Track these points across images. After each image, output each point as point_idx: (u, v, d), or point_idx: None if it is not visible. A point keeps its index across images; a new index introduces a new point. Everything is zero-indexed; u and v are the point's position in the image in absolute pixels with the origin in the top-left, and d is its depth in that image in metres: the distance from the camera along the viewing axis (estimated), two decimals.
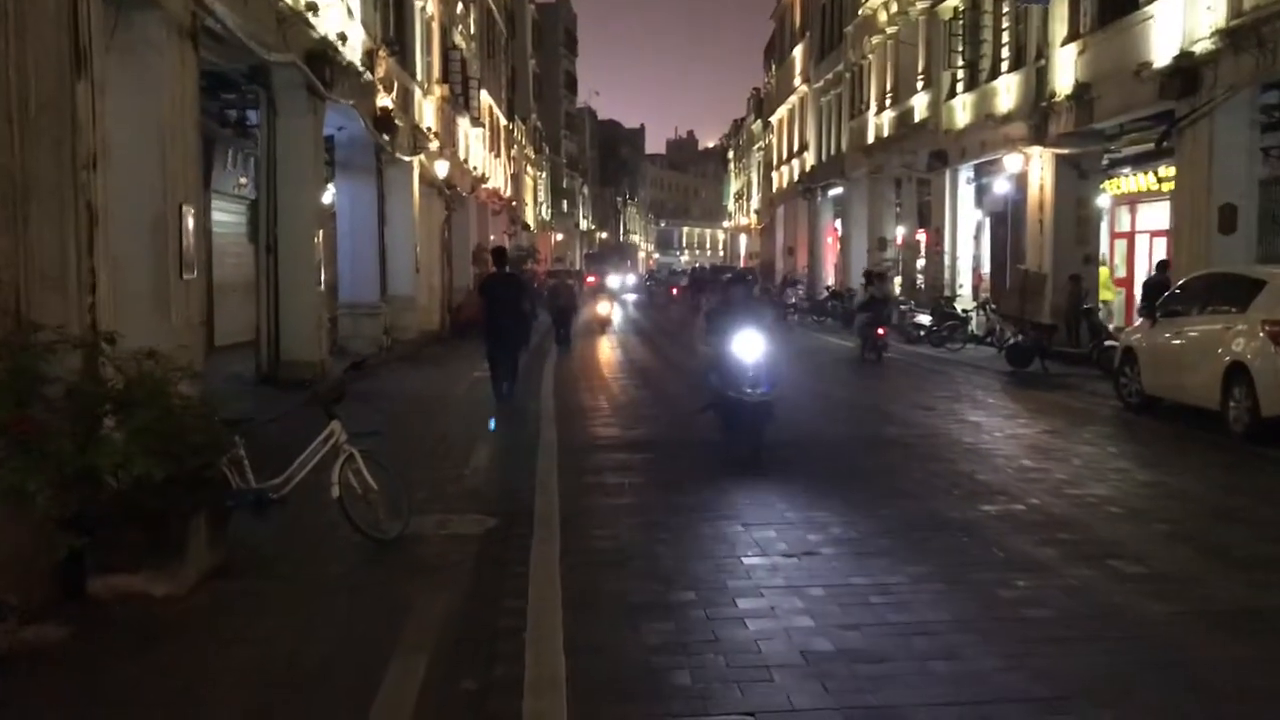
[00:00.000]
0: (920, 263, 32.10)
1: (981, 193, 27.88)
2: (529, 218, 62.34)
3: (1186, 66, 16.30)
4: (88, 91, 6.83)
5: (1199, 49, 16.06)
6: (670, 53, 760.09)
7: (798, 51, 52.06)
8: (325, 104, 16.32)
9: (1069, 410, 14.40)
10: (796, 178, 51.58)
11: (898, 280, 33.69)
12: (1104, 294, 22.06)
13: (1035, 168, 22.71)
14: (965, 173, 28.04)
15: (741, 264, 76.68)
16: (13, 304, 5.99)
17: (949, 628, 5.60)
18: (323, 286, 16.91)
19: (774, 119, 61.67)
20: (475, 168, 36.02)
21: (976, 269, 28.69)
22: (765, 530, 7.67)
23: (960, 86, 27.68)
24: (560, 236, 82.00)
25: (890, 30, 33.65)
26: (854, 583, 6.38)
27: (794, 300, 39.00)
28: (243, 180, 20.41)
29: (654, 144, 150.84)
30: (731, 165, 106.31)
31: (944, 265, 28.67)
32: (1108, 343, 17.94)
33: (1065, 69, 21.18)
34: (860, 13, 36.90)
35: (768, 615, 5.78)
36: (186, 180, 10.75)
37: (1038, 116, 22.18)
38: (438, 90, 28.34)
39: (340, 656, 5.23)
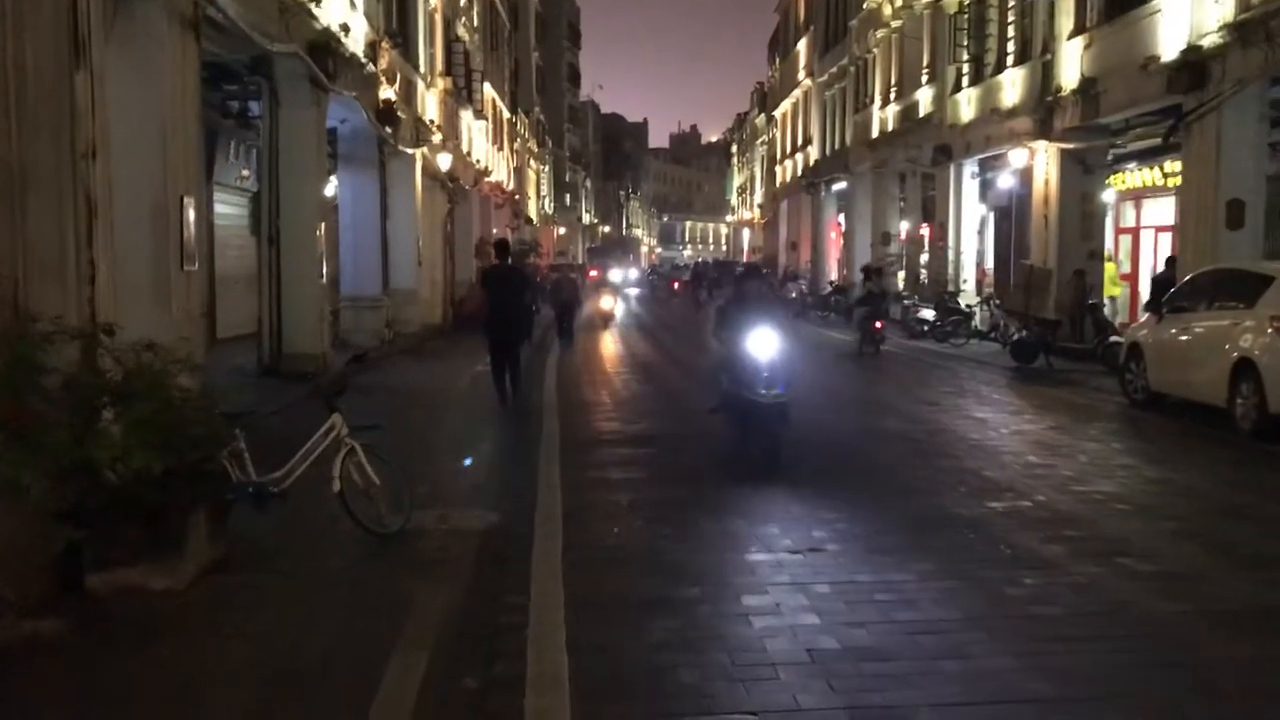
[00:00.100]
0: (924, 258, 32.01)
1: (986, 187, 27.77)
2: (532, 211, 62.26)
3: (1194, 60, 16.19)
4: (87, 81, 6.76)
5: (1207, 43, 15.95)
6: (674, 46, 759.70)
7: (802, 45, 51.92)
8: (328, 96, 16.24)
9: (1074, 406, 14.33)
10: (800, 172, 51.47)
11: (901, 275, 33.62)
12: (1110, 290, 21.97)
13: (1040, 162, 22.60)
14: (970, 167, 27.93)
15: (745, 259, 76.56)
16: (10, 294, 5.92)
17: (957, 626, 5.53)
18: (325, 279, 16.85)
19: (778, 113, 61.54)
20: (478, 161, 35.93)
21: (980, 264, 28.59)
22: (769, 526, 7.61)
23: (965, 80, 27.56)
24: (563, 230, 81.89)
25: (895, 24, 33.51)
26: (860, 580, 6.32)
27: (794, 295, 38.93)
28: (245, 172, 20.34)
29: (657, 138, 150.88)
30: (735, 159, 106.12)
31: (948, 260, 28.58)
32: (1112, 338, 17.86)
33: (1071, 63, 21.06)
34: (865, 6, 36.76)
35: (772, 612, 5.72)
36: (188, 172, 10.67)
37: (1043, 111, 22.07)
38: (440, 83, 28.24)
39: (340, 652, 5.16)
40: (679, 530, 7.57)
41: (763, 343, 9.51)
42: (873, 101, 36.54)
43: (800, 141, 52.58)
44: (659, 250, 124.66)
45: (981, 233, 28.63)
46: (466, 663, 5.03)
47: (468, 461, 10.07)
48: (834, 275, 42.08)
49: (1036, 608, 5.87)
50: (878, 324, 21.72)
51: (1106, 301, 21.40)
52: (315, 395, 7.47)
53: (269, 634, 5.42)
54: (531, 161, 63.05)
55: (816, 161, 47.14)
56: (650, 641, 5.32)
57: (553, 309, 26.39)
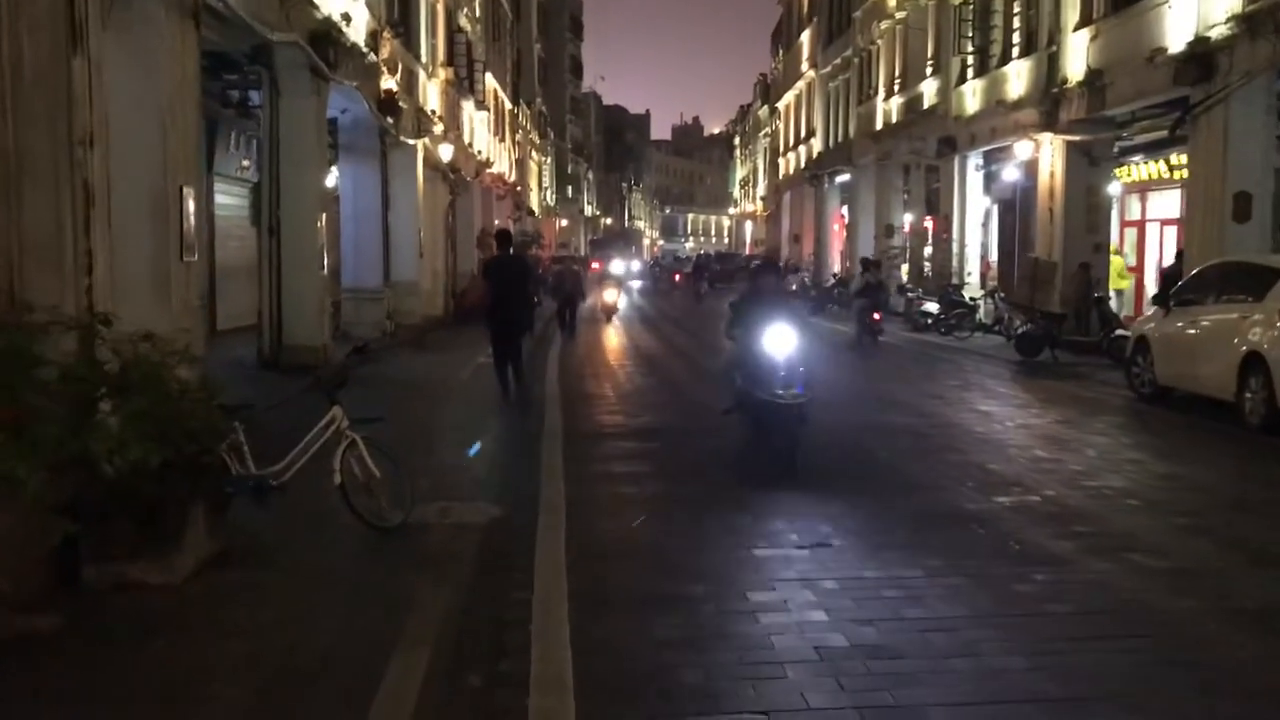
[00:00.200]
0: (927, 250, 31.89)
1: (990, 180, 27.64)
2: (533, 203, 62.11)
3: (1201, 52, 16.07)
4: (84, 68, 6.68)
5: (1214, 34, 15.83)
6: (676, 38, 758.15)
7: (805, 36, 51.73)
8: (329, 85, 16.13)
9: (1080, 400, 14.24)
10: (803, 164, 51.30)
11: (904, 268, 33.52)
12: (1117, 283, 21.86)
13: (1046, 155, 22.48)
14: (974, 159, 27.80)
15: (747, 251, 76.42)
16: (6, 284, 5.85)
17: (966, 623, 5.45)
18: (325, 271, 16.76)
19: (781, 105, 61.36)
20: (480, 152, 35.80)
21: (984, 257, 28.48)
22: (774, 521, 7.53)
23: (970, 72, 27.41)
24: (565, 222, 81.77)
25: (899, 15, 33.35)
26: (867, 576, 6.23)
27: (794, 288, 38.79)
28: (245, 163, 20.24)
29: (659, 130, 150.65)
30: (737, 151, 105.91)
31: (952, 253, 28.47)
32: (1118, 332, 17.78)
33: (1077, 55, 20.93)
34: None
35: (780, 609, 5.63)
36: (187, 161, 10.57)
37: (1049, 103, 21.93)
38: (442, 73, 28.10)
39: (340, 649, 5.07)
40: (683, 525, 7.49)
41: (779, 340, 9.01)
42: (877, 93, 36.38)
43: (803, 133, 52.41)
44: (661, 242, 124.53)
45: (986, 225, 28.51)
46: (469, 660, 4.94)
47: (474, 449, 10.00)
48: (837, 268, 41.96)
49: (1047, 605, 5.78)
50: (875, 315, 21.77)
51: (1112, 294, 21.29)
52: (316, 387, 7.37)
53: (268, 630, 5.33)
54: (533, 153, 62.89)
55: (820, 153, 46.97)
56: (656, 638, 5.23)
57: (555, 301, 26.27)
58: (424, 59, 25.62)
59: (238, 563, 6.31)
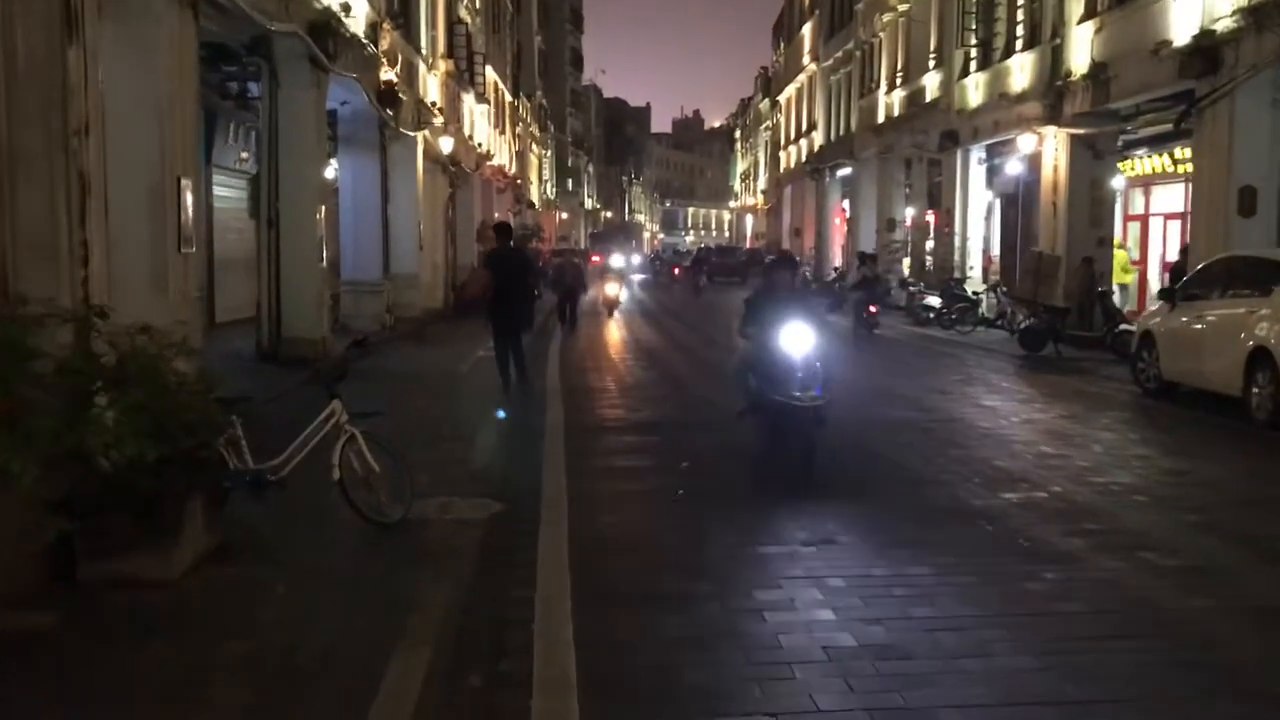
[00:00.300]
0: (929, 244, 31.79)
1: (993, 174, 27.53)
2: (534, 196, 61.99)
3: (1207, 45, 15.97)
4: (80, 57, 6.56)
5: (1220, 27, 15.72)
6: (677, 31, 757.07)
7: (807, 29, 51.59)
8: (328, 77, 16.01)
9: (1085, 395, 14.15)
10: (804, 158, 51.19)
11: (906, 262, 33.42)
12: (1121, 277, 21.76)
13: (1049, 148, 22.37)
14: (977, 153, 27.69)
15: (747, 245, 76.28)
16: None
17: (976, 622, 5.36)
18: (325, 263, 16.65)
19: (782, 98, 61.21)
20: (480, 144, 35.67)
21: (986, 251, 28.38)
22: (779, 516, 7.43)
23: (973, 65, 27.28)
24: (565, 215, 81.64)
25: (902, 7, 33.19)
26: (875, 573, 6.14)
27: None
28: (244, 154, 20.11)
29: (660, 123, 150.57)
30: (738, 145, 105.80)
31: (954, 247, 28.38)
32: (1122, 327, 17.69)
33: (1081, 47, 20.81)
34: None
35: (786, 608, 5.54)
36: (185, 153, 10.46)
37: (1052, 96, 21.83)
38: (442, 65, 27.97)
39: (340, 648, 4.98)
40: (687, 520, 7.41)
41: (796, 339, 8.52)
42: (879, 86, 36.25)
43: (805, 127, 52.28)
44: (661, 236, 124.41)
45: (988, 219, 28.41)
46: (470, 660, 4.85)
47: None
48: (838, 261, 41.85)
49: (1057, 604, 5.70)
50: (872, 308, 21.76)
51: (1116, 289, 21.19)
52: (314, 381, 7.28)
53: (267, 628, 5.25)
54: (534, 146, 62.76)
55: (821, 147, 46.85)
56: (661, 637, 5.15)
57: (556, 295, 26.14)
58: (424, 51, 25.49)
59: (236, 558, 6.22)
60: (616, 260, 40.79)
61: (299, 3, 14.35)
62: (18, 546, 5.46)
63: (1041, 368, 17.21)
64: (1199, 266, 13.88)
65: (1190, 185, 18.19)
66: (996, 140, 25.84)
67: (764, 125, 74.41)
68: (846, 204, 43.05)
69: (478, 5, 36.10)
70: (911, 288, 28.36)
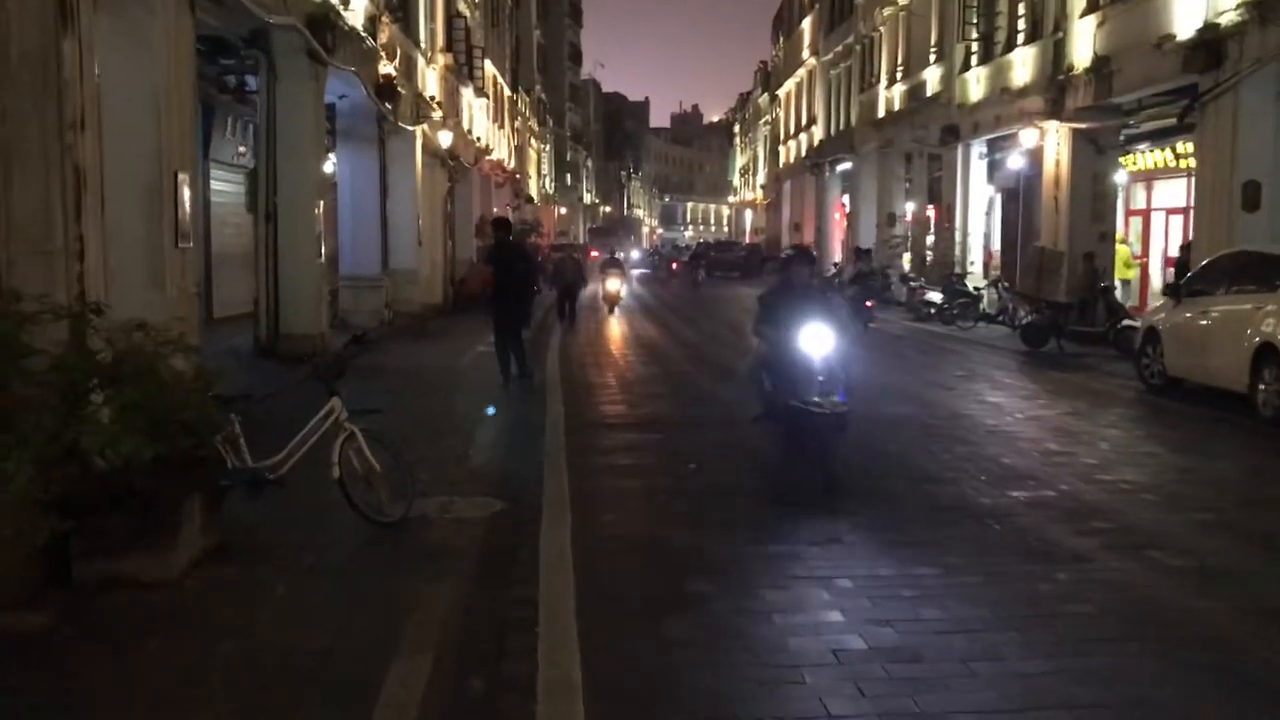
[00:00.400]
0: (930, 239, 31.68)
1: (994, 168, 27.40)
2: (532, 190, 61.82)
3: (1211, 39, 15.85)
4: (75, 49, 6.46)
5: (1224, 21, 15.61)
6: (676, 25, 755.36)
7: (807, 23, 51.42)
8: (327, 70, 15.88)
9: (1089, 391, 14.05)
10: (804, 152, 51.04)
11: (906, 257, 33.31)
12: (1124, 272, 21.65)
13: (1051, 143, 22.25)
14: (978, 148, 27.55)
15: (747, 239, 76.12)
16: None
17: (987, 624, 5.28)
18: (323, 258, 16.54)
19: (781, 92, 61.05)
20: (479, 139, 35.53)
21: (987, 246, 28.27)
22: (784, 516, 7.34)
23: (974, 59, 27.15)
24: (564, 210, 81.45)
25: (903, 1, 33.06)
26: (882, 574, 6.06)
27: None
28: (242, 148, 19.97)
29: (659, 118, 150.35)
30: (737, 140, 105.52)
31: (954, 242, 28.25)
32: (1125, 322, 17.59)
33: (1084, 41, 20.69)
34: None
35: (794, 609, 5.46)
36: (183, 147, 10.33)
37: (1054, 90, 21.69)
38: (441, 59, 27.83)
39: (340, 652, 4.88)
40: (691, 519, 7.32)
41: (817, 341, 7.98)
42: (879, 81, 36.12)
43: (804, 121, 52.12)
44: (660, 231, 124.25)
45: (989, 214, 28.29)
46: (473, 663, 4.76)
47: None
48: (838, 256, 41.75)
49: (1069, 605, 5.61)
50: (867, 302, 21.71)
51: (1118, 284, 21.09)
52: (313, 377, 7.19)
53: (265, 630, 5.16)
54: (532, 140, 62.58)
55: (821, 141, 46.70)
56: (667, 639, 5.06)
57: (556, 290, 26.01)
58: (423, 44, 25.35)
59: (234, 558, 6.12)
60: (617, 255, 40.43)
61: None
62: (12, 547, 5.35)
63: (1044, 364, 17.12)
64: (1204, 262, 13.78)
65: (1193, 180, 18.08)
66: (997, 135, 25.71)
67: (763, 120, 74.23)
68: (846, 199, 42.92)
69: None
70: (912, 283, 28.25)
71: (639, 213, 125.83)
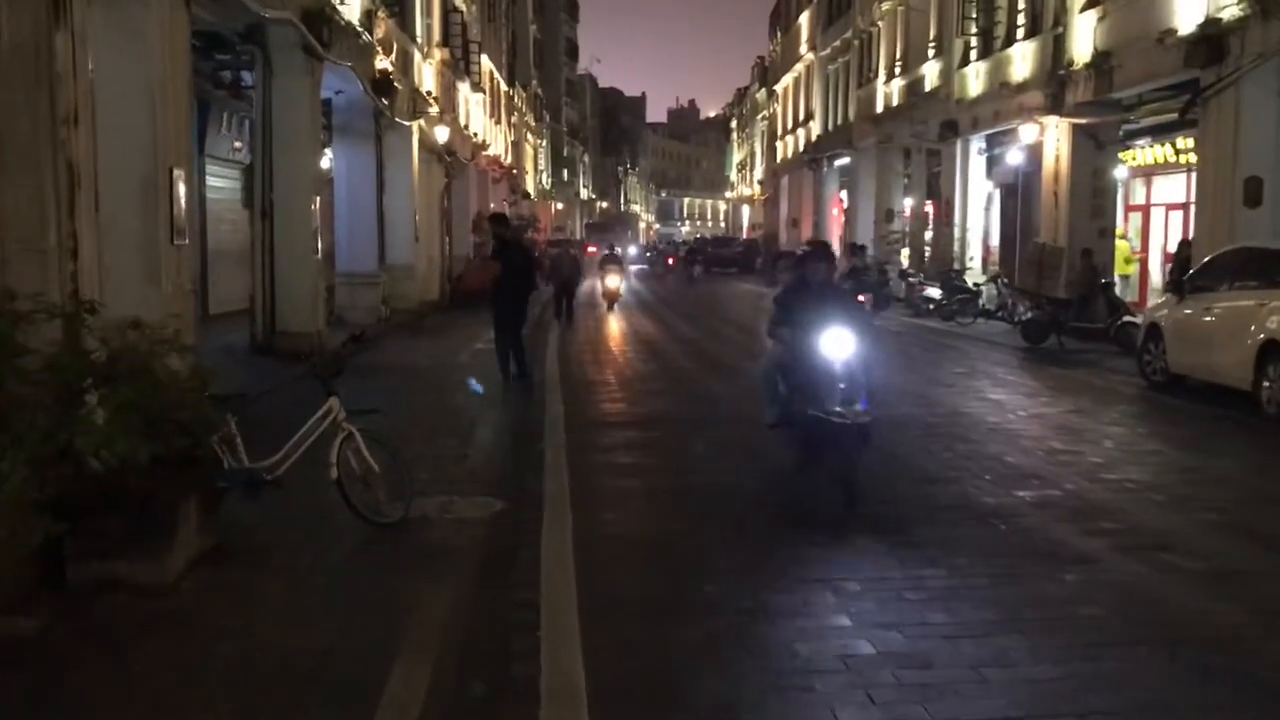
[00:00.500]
0: (928, 235, 31.61)
1: (993, 164, 27.33)
2: (529, 186, 61.66)
3: (1212, 34, 15.77)
4: (68, 43, 6.37)
5: (1226, 15, 15.53)
6: (672, 20, 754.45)
7: (804, 18, 51.29)
8: (323, 65, 15.78)
9: (1091, 388, 13.98)
10: (802, 148, 50.93)
11: (905, 253, 33.23)
12: (1124, 268, 21.59)
13: (1050, 138, 22.17)
14: (976, 143, 27.48)
15: (744, 235, 76.01)
16: None
17: (996, 628, 5.19)
18: (319, 254, 16.44)
19: (779, 87, 60.93)
20: (475, 134, 35.42)
21: (986, 242, 28.20)
22: (787, 516, 7.28)
23: (973, 54, 27.07)
24: (560, 206, 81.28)
25: None
26: (889, 576, 5.97)
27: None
28: (237, 144, 19.87)
29: (655, 113, 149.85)
30: (734, 135, 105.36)
31: (953, 238, 28.19)
32: (1126, 318, 17.52)
33: (1084, 36, 20.61)
34: None
35: (800, 613, 5.37)
36: (178, 143, 10.23)
37: (1054, 85, 21.61)
38: (438, 54, 27.71)
39: (339, 655, 4.80)
40: (692, 519, 7.23)
41: (838, 345, 7.47)
42: (877, 76, 36.04)
43: (802, 116, 52.02)
44: (657, 226, 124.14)
45: (988, 210, 28.22)
46: (474, 668, 4.67)
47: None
48: (837, 252, 41.64)
49: (1079, 607, 5.54)
50: (860, 297, 21.63)
51: (1118, 280, 21.02)
52: (310, 375, 7.09)
53: (263, 633, 5.07)
54: (529, 136, 62.43)
55: (819, 137, 46.61)
56: (671, 643, 4.99)
57: (553, 287, 25.90)
58: (419, 39, 25.24)
59: (231, 560, 6.04)
60: (616, 250, 40.20)
61: None
62: (6, 549, 5.26)
63: (1045, 360, 17.05)
64: (1207, 259, 13.70)
65: (1193, 175, 18.01)
66: (997, 130, 25.64)
67: (761, 115, 74.09)
68: (844, 194, 42.85)
69: None
70: (911, 279, 28.17)
71: (636, 208, 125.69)
